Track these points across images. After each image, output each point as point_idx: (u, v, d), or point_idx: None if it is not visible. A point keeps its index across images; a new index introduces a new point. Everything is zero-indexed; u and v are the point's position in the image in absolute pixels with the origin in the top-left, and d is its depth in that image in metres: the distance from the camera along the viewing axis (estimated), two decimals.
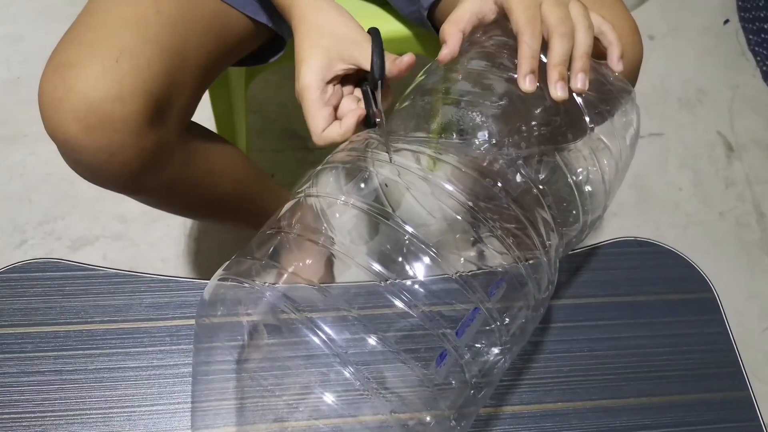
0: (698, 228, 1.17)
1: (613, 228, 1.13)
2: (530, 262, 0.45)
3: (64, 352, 0.54)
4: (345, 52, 0.50)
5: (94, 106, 0.49)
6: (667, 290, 0.62)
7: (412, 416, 0.42)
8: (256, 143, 1.14)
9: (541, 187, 0.47)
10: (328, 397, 0.43)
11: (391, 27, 0.73)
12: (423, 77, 0.51)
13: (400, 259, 0.42)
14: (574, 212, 0.49)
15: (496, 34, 0.49)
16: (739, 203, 1.20)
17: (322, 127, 0.49)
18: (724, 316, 0.61)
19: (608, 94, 0.49)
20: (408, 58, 0.50)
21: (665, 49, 1.37)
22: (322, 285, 0.43)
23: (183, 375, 0.54)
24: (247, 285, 0.42)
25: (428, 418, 0.41)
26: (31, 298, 0.56)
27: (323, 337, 0.39)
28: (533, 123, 0.48)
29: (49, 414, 0.51)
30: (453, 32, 0.47)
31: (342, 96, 0.51)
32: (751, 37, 1.40)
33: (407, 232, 0.42)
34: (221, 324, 0.46)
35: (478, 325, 0.42)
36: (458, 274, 0.42)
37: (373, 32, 0.51)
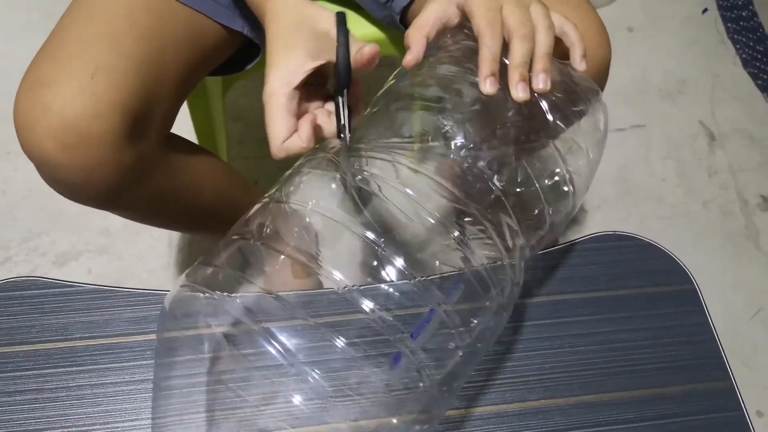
0: (682, 218, 1.17)
1: (596, 222, 1.14)
2: (491, 264, 0.45)
3: (45, 371, 0.54)
4: (312, 47, 0.47)
5: (71, 124, 0.48)
6: (648, 284, 0.63)
7: (374, 423, 0.42)
8: (239, 151, 1.14)
9: (506, 190, 0.47)
10: (288, 409, 0.43)
11: (365, 30, 0.73)
12: (393, 81, 0.51)
13: (362, 265, 0.42)
14: (542, 214, 0.50)
15: (462, 38, 0.49)
16: (723, 192, 1.21)
17: (282, 137, 0.46)
18: (705, 307, 0.62)
19: (575, 94, 0.49)
20: (369, 48, 0.47)
21: (644, 41, 1.38)
22: (280, 294, 0.42)
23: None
24: (207, 295, 0.42)
25: (394, 421, 0.42)
26: (9, 317, 0.56)
27: (279, 347, 0.39)
28: (502, 126, 0.48)
29: None
30: (417, 38, 0.47)
31: (308, 108, 0.49)
32: (729, 25, 1.41)
33: (368, 238, 0.42)
34: (182, 336, 0.45)
35: (434, 326, 0.42)
36: (415, 279, 0.42)
37: (339, 19, 0.48)
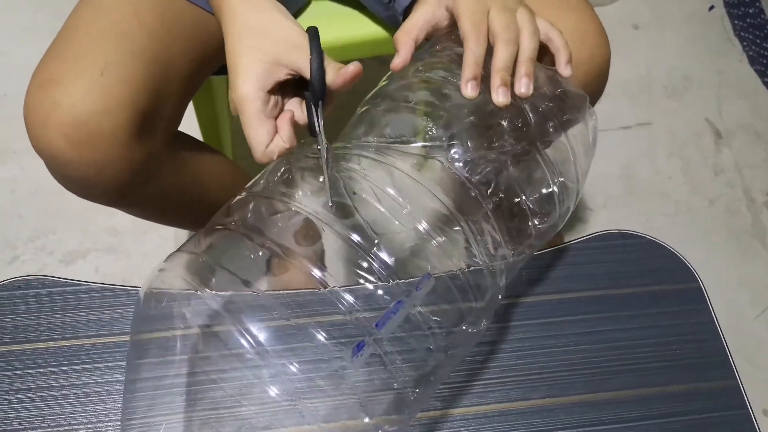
0: (688, 216, 1.17)
1: (601, 220, 1.13)
2: (470, 269, 0.46)
3: (52, 368, 0.54)
4: (284, 56, 0.46)
5: (81, 121, 0.49)
6: (652, 282, 0.63)
7: (345, 421, 0.42)
8: (244, 149, 1.14)
9: (494, 200, 0.47)
10: (262, 401, 0.43)
11: (368, 29, 0.73)
12: (386, 83, 0.51)
13: (341, 264, 0.42)
14: (527, 223, 0.50)
15: (452, 43, 0.49)
16: (729, 189, 1.20)
17: (265, 143, 0.46)
18: (710, 306, 0.62)
19: (563, 101, 0.49)
20: (353, 68, 0.46)
21: (650, 38, 1.37)
22: (254, 286, 0.43)
23: (171, 386, 0.54)
24: (184, 281, 0.42)
25: (366, 420, 0.42)
26: (17, 315, 0.56)
27: (251, 340, 0.39)
28: (495, 136, 0.48)
29: (38, 430, 0.52)
30: (405, 41, 0.48)
31: (282, 107, 0.48)
32: (736, 22, 1.40)
33: (349, 239, 0.42)
34: (156, 325, 0.45)
35: (400, 318, 0.42)
36: (389, 278, 0.42)
37: (311, 33, 0.47)
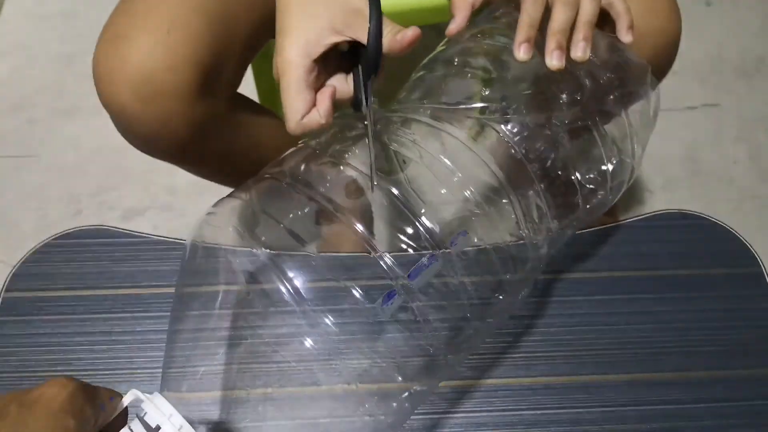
0: (753, 202, 1.12)
1: (661, 202, 1.10)
2: (513, 241, 0.45)
3: (114, 315, 0.56)
4: (340, 21, 0.43)
5: (148, 76, 0.50)
6: (712, 264, 0.61)
7: (379, 376, 0.42)
8: None
9: (547, 174, 0.46)
10: (301, 362, 0.44)
11: None
12: (443, 48, 0.51)
13: (383, 226, 0.42)
14: (576, 198, 0.49)
15: (512, 9, 0.48)
16: None
17: (301, 113, 0.44)
18: None
19: (625, 72, 0.48)
20: (412, 32, 0.44)
21: (723, 16, 1.31)
22: (302, 243, 0.43)
23: (224, 338, 0.56)
24: (231, 231, 0.43)
25: (399, 378, 0.42)
26: (82, 263, 0.59)
27: (291, 290, 0.40)
28: (555, 108, 0.47)
29: (99, 372, 0.54)
30: (462, 6, 0.47)
31: (324, 78, 0.46)
32: None
33: (396, 197, 0.42)
34: (204, 269, 0.46)
35: (432, 271, 0.42)
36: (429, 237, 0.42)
37: (374, 4, 0.43)
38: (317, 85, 0.45)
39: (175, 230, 1.06)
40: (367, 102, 0.44)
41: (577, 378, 0.55)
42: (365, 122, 0.45)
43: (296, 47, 0.43)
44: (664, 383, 0.55)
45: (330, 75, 0.47)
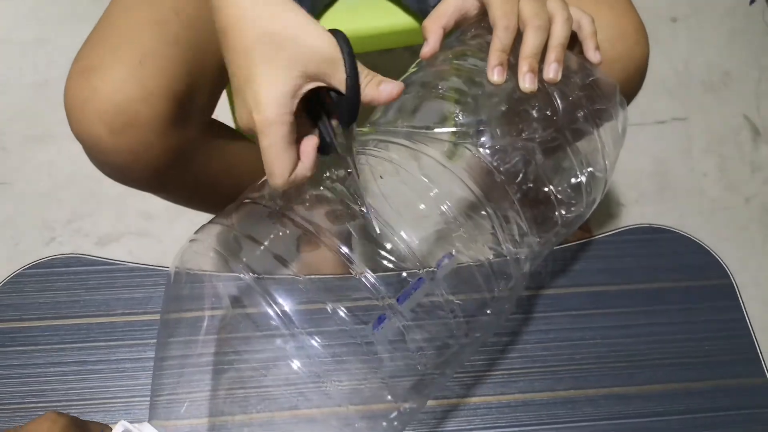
0: (723, 214, 1.15)
1: (633, 216, 1.12)
2: (495, 258, 0.46)
3: (88, 344, 0.56)
4: (314, 70, 0.39)
5: (120, 108, 0.50)
6: (684, 277, 0.62)
7: (368, 396, 0.42)
8: None
9: (522, 189, 0.47)
10: (290, 386, 0.44)
11: (399, 20, 0.73)
12: (415, 69, 0.52)
13: (363, 245, 0.43)
14: (554, 212, 0.50)
15: (482, 31, 0.49)
16: (766, 188, 1.17)
17: (289, 172, 0.40)
18: (741, 302, 0.61)
19: (594, 91, 0.49)
20: (397, 88, 0.41)
21: (688, 32, 1.35)
22: (286, 265, 0.43)
23: (203, 365, 0.55)
24: (215, 251, 0.43)
25: (389, 397, 0.42)
26: (56, 292, 0.58)
27: (279, 312, 0.40)
28: (526, 126, 0.48)
29: (73, 403, 0.53)
30: (434, 29, 0.48)
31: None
32: None
33: (376, 219, 0.42)
34: (188, 295, 0.46)
35: (421, 294, 0.42)
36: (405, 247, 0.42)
37: (342, 42, 0.39)
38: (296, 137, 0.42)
39: (150, 256, 1.05)
40: (350, 150, 0.42)
41: (554, 394, 0.55)
42: (347, 169, 0.43)
43: (275, 104, 0.38)
44: (639, 396, 0.56)
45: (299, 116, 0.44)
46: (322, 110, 0.41)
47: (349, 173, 0.43)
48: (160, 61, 0.51)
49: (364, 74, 0.40)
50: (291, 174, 0.40)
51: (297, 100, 0.39)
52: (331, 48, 0.39)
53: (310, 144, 0.41)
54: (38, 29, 1.27)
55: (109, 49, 0.52)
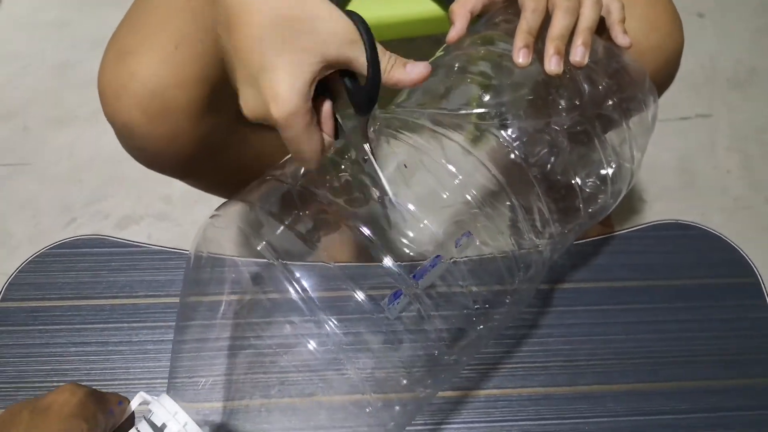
0: (747, 212, 1.13)
1: (656, 212, 1.11)
2: (517, 247, 0.46)
3: (110, 325, 0.56)
4: (333, 54, 0.37)
5: (156, 93, 0.50)
6: (709, 274, 0.61)
7: (384, 376, 0.42)
8: None
9: (547, 179, 0.46)
10: (310, 372, 0.44)
11: (423, 8, 0.72)
12: (442, 53, 0.51)
13: (384, 231, 0.42)
14: (578, 203, 0.49)
15: (511, 16, 0.49)
16: None
17: (318, 152, 0.40)
18: (767, 301, 0.60)
19: (624, 78, 0.48)
20: (427, 69, 0.39)
21: (715, 27, 1.33)
22: (308, 243, 0.43)
23: (222, 348, 0.55)
24: (237, 232, 0.43)
25: (404, 381, 0.42)
26: (79, 272, 0.58)
27: (299, 290, 0.39)
28: (554, 113, 0.48)
29: (95, 383, 0.54)
30: (461, 13, 0.47)
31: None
32: None
33: (398, 203, 0.42)
34: (210, 272, 0.46)
35: (438, 272, 0.41)
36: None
37: (360, 24, 0.37)
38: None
39: (169, 239, 1.06)
40: (366, 138, 0.41)
41: (575, 388, 0.55)
42: (364, 156, 0.42)
43: (295, 96, 0.37)
44: (661, 393, 0.55)
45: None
46: (327, 93, 0.40)
47: (366, 160, 0.42)
48: (196, 46, 0.51)
49: (386, 57, 0.39)
50: (321, 153, 0.40)
51: (313, 85, 0.38)
52: (350, 30, 0.37)
53: (326, 111, 0.40)
54: (59, 11, 1.28)
55: (146, 34, 0.51)
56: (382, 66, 0.38)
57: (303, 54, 0.36)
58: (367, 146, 0.42)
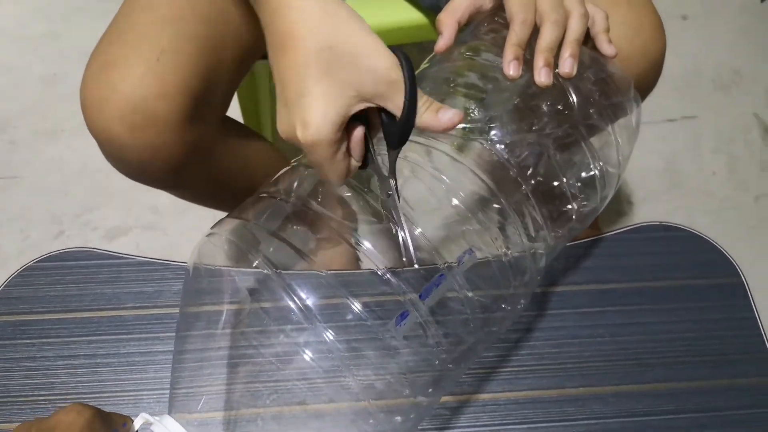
0: (732, 213, 1.14)
1: (642, 214, 1.12)
2: (511, 252, 0.46)
3: (98, 337, 0.56)
4: (370, 91, 0.37)
5: (139, 105, 0.50)
6: (694, 275, 0.62)
7: (387, 390, 0.43)
8: None
9: (536, 183, 0.47)
10: (309, 381, 0.44)
11: (409, 16, 0.73)
12: (427, 65, 0.51)
13: (387, 240, 0.43)
14: (568, 207, 0.49)
15: (497, 26, 0.49)
16: None
17: (344, 176, 0.40)
18: (752, 301, 0.60)
19: (609, 86, 0.49)
20: (459, 116, 0.39)
21: (699, 30, 1.34)
22: (303, 258, 0.43)
23: (210, 359, 0.55)
24: (233, 244, 0.43)
25: (407, 391, 0.42)
26: (66, 285, 0.58)
27: (299, 304, 0.40)
28: (539, 120, 0.48)
29: (83, 396, 0.53)
30: (448, 23, 0.48)
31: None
32: None
33: (395, 218, 0.42)
34: (207, 288, 0.46)
35: (443, 290, 0.42)
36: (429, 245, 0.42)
37: (404, 63, 0.37)
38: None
39: (158, 249, 1.06)
40: (393, 174, 0.41)
41: (563, 391, 0.55)
42: (388, 191, 0.42)
43: (330, 124, 0.37)
44: (649, 394, 0.56)
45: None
46: (363, 122, 0.40)
47: (389, 195, 0.42)
48: (178, 57, 0.51)
49: (423, 100, 0.39)
50: (344, 178, 0.41)
51: (346, 118, 0.38)
52: (391, 69, 0.37)
53: (357, 137, 0.40)
54: (48, 24, 1.28)
55: (128, 46, 0.52)
56: (418, 108, 0.38)
57: (340, 86, 0.37)
58: (392, 182, 0.42)
